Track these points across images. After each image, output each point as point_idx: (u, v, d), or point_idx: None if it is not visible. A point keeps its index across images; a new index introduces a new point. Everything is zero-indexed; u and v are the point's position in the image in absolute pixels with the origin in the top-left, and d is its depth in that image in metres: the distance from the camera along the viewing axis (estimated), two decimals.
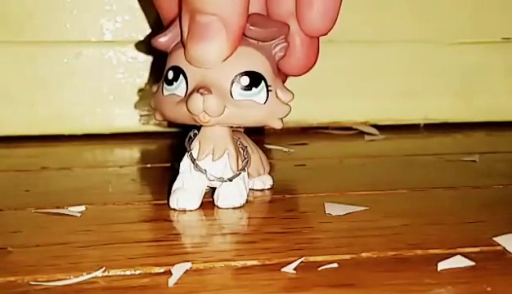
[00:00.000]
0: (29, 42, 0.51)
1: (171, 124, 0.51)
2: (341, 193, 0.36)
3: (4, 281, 0.24)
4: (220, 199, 0.32)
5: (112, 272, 0.25)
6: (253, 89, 0.31)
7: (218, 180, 0.32)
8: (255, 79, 0.31)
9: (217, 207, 0.33)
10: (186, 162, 0.33)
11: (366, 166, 0.44)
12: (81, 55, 0.52)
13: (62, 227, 0.30)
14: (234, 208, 0.32)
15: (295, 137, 0.53)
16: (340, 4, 0.32)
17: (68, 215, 0.32)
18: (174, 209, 0.32)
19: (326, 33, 0.33)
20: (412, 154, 0.48)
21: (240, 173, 0.32)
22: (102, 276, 0.24)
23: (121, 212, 0.33)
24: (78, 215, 0.32)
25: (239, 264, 0.25)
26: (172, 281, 0.24)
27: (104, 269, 0.25)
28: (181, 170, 0.33)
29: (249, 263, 0.25)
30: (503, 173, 0.42)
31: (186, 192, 0.32)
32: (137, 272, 0.25)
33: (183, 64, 0.31)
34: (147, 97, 0.53)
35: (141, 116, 0.54)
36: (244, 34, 0.31)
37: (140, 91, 0.53)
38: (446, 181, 0.39)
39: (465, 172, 0.42)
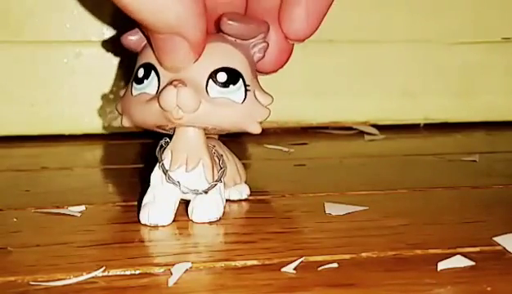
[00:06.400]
0: (29, 42, 0.51)
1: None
2: (341, 193, 0.36)
3: (4, 281, 0.24)
4: (195, 213, 0.30)
5: (112, 272, 0.25)
6: (231, 86, 0.29)
7: (193, 192, 0.30)
8: (233, 76, 0.29)
9: (192, 221, 0.30)
10: (157, 174, 0.30)
11: (366, 166, 0.44)
12: (81, 55, 0.52)
13: (62, 227, 0.30)
14: (210, 223, 0.30)
15: (295, 137, 0.53)
16: (326, 12, 0.31)
17: (68, 215, 0.32)
18: (145, 225, 0.30)
19: (303, 39, 0.31)
20: (412, 154, 0.48)
21: (215, 184, 0.30)
22: (102, 276, 0.24)
23: (121, 212, 0.33)
24: (78, 215, 0.32)
25: (239, 264, 0.25)
26: (172, 281, 0.24)
27: (104, 269, 0.25)
28: (151, 182, 0.30)
29: (249, 263, 0.25)
30: (503, 173, 0.42)
31: (158, 206, 0.30)
32: (137, 272, 0.25)
33: (155, 61, 0.29)
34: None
35: None
36: (222, 30, 0.29)
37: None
38: (446, 181, 0.39)
39: (465, 172, 0.42)
